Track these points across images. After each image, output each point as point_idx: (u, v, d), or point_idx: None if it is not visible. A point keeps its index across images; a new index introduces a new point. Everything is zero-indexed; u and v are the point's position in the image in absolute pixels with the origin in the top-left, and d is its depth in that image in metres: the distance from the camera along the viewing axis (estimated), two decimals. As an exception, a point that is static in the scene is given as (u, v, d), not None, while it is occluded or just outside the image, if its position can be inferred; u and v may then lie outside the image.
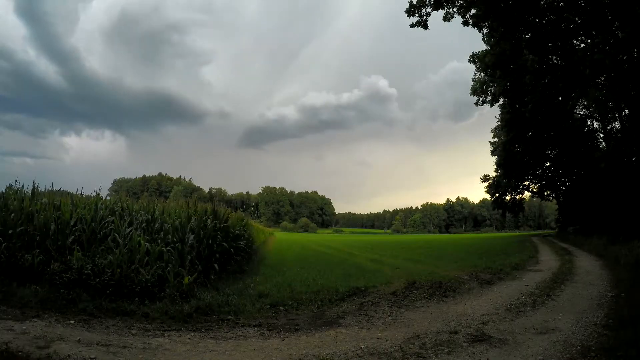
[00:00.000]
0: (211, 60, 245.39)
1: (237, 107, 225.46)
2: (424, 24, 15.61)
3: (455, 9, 16.03)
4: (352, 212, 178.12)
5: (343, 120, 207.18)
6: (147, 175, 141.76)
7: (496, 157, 36.55)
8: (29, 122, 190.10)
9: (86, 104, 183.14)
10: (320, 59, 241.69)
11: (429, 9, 15.46)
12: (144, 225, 8.60)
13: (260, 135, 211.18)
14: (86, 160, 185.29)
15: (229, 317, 6.03)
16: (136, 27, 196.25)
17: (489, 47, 21.62)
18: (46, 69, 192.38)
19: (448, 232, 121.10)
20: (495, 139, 37.66)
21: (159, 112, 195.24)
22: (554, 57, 19.99)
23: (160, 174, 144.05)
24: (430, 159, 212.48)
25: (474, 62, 23.68)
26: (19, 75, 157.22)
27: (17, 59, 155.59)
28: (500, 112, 31.37)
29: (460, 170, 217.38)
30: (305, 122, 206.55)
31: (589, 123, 28.77)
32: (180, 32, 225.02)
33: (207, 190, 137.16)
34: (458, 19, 16.23)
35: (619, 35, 15.76)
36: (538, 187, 38.96)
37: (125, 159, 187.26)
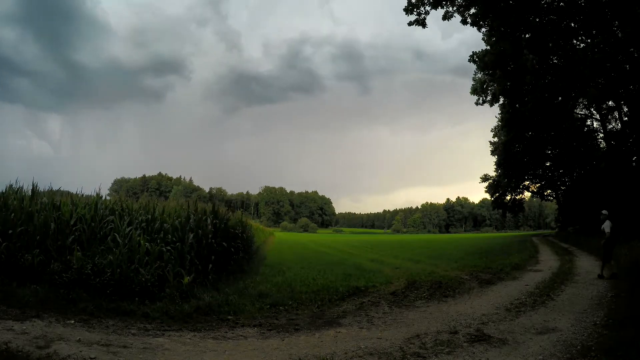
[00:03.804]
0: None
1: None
2: (422, 22, 15.60)
3: (454, 8, 16.03)
4: (353, 212, 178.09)
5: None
6: (147, 175, 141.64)
7: (496, 157, 36.56)
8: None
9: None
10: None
11: (427, 7, 15.45)
12: (143, 225, 8.59)
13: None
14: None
15: (229, 317, 6.03)
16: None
17: (488, 47, 21.59)
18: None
19: (448, 232, 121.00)
20: (495, 139, 37.66)
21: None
22: (554, 57, 19.96)
23: (160, 174, 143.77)
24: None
25: (474, 62, 23.64)
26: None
27: None
28: (500, 112, 31.35)
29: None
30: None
31: (588, 123, 28.71)
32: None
33: (207, 190, 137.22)
34: (457, 18, 16.27)
35: (619, 35, 15.75)
36: (538, 187, 38.96)
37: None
